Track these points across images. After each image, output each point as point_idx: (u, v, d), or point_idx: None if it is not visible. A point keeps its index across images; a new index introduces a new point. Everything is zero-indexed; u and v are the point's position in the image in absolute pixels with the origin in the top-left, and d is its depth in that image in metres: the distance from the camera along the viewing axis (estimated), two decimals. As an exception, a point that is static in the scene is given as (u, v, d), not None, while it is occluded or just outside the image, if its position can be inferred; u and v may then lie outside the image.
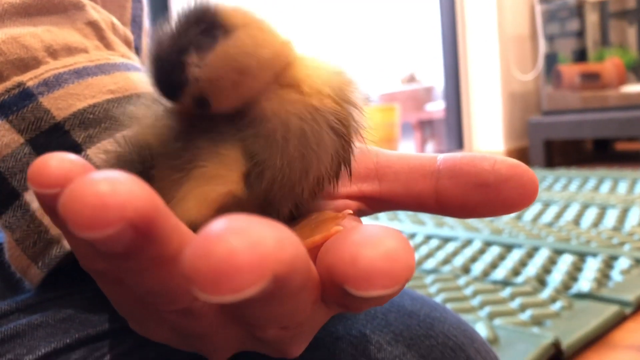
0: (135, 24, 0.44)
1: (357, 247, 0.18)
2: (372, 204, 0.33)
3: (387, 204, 0.33)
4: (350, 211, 0.28)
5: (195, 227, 0.24)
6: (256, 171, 0.25)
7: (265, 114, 0.25)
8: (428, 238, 1.56)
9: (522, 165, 0.29)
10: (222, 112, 0.25)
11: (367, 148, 0.32)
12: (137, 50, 0.44)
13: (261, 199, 0.26)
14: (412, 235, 1.60)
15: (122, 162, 0.27)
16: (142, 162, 0.26)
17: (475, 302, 1.07)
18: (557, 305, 1.02)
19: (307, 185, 0.27)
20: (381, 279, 0.18)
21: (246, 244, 0.16)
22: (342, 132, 0.27)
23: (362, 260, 0.18)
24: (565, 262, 1.25)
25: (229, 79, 0.24)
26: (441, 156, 0.31)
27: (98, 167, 0.28)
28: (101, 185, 0.16)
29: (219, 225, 0.16)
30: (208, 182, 0.24)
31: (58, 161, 0.20)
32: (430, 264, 1.32)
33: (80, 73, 0.35)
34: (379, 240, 0.18)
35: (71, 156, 0.20)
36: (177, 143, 0.25)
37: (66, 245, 0.33)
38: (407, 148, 3.92)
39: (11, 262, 0.34)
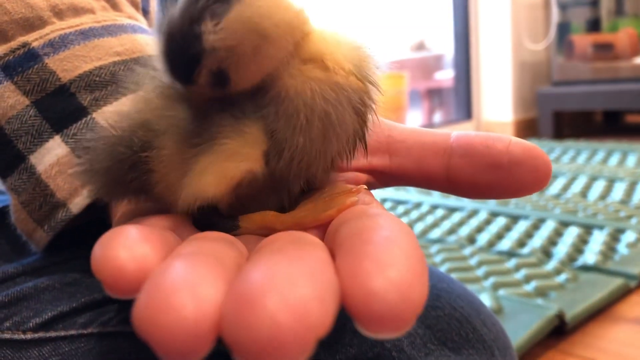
0: None
1: (370, 278, 0.17)
2: (381, 178, 0.32)
3: (396, 179, 0.32)
4: (365, 187, 0.28)
5: (211, 202, 0.23)
6: (275, 150, 0.25)
7: (288, 92, 0.24)
8: (434, 207, 1.56)
9: (536, 149, 0.28)
10: (242, 91, 0.24)
11: (379, 121, 0.31)
12: (145, 13, 0.43)
13: (276, 176, 0.25)
14: (418, 205, 1.60)
15: (121, 144, 0.27)
16: (142, 143, 0.26)
17: (480, 272, 1.07)
18: (562, 277, 1.02)
19: (324, 164, 0.27)
20: (393, 323, 0.17)
21: (290, 314, 0.15)
22: (362, 110, 0.26)
23: (375, 303, 0.17)
24: (571, 234, 1.24)
25: (248, 43, 0.22)
26: (455, 134, 0.30)
27: (103, 133, 0.28)
28: (186, 310, 0.16)
29: (255, 279, 0.16)
30: (229, 159, 0.24)
31: (132, 262, 0.19)
32: (435, 233, 1.32)
33: (86, 34, 0.35)
34: (393, 266, 0.17)
35: (139, 247, 0.19)
36: (191, 122, 0.25)
37: (72, 208, 0.33)
38: (415, 117, 3.89)
39: (17, 225, 0.34)
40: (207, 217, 0.26)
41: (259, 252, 0.20)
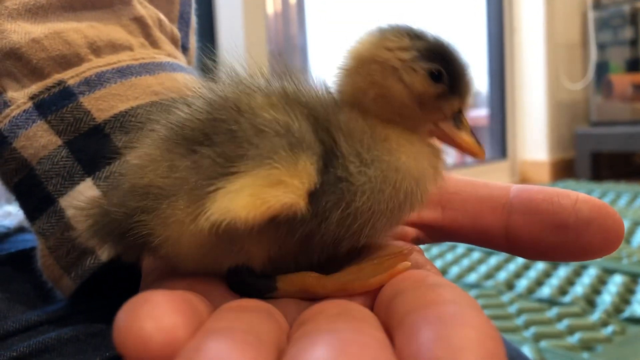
0: (183, 21, 0.41)
1: None
2: (432, 233, 0.30)
3: (449, 234, 0.29)
4: (419, 248, 0.25)
5: (240, 223, 0.20)
6: (331, 200, 0.23)
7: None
8: (470, 250, 1.51)
9: (606, 207, 0.25)
10: None
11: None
12: (184, 49, 0.41)
13: (321, 228, 0.23)
14: (453, 246, 1.55)
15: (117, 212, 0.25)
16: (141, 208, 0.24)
17: (519, 321, 1.03)
18: (609, 330, 0.97)
19: (390, 230, 0.25)
20: None
21: None
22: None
23: None
24: (616, 282, 1.19)
25: None
26: (515, 188, 0.28)
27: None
28: None
29: None
30: (272, 185, 0.21)
31: (159, 334, 0.17)
32: (472, 277, 1.27)
33: (124, 72, 0.33)
34: (467, 350, 0.15)
35: (168, 317, 0.17)
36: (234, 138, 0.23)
37: (101, 256, 0.31)
38: (448, 155, 3.84)
39: (43, 270, 0.32)
40: (242, 277, 0.24)
41: (305, 331, 0.18)
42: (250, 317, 0.19)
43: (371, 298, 0.23)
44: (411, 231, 0.30)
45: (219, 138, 0.23)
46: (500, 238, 0.28)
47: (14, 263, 0.37)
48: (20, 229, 0.42)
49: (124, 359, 0.17)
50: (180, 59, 0.38)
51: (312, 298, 0.24)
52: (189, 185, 0.22)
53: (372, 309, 0.23)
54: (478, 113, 3.97)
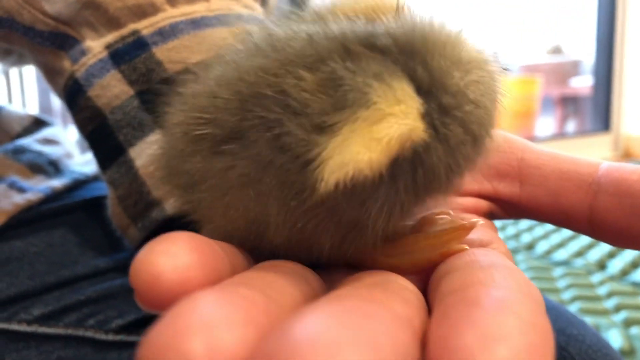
0: None
1: (472, 356, 0.12)
2: (507, 208, 0.27)
3: (526, 211, 0.27)
4: (482, 221, 0.23)
5: (366, 170, 0.17)
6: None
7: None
8: (560, 225, 1.44)
9: None
10: None
11: (512, 139, 0.26)
12: (263, 3, 0.40)
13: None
14: (543, 221, 1.49)
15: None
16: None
17: (609, 304, 0.97)
18: None
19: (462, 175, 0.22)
20: None
21: None
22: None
23: None
24: None
25: None
26: (605, 165, 0.25)
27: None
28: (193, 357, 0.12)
29: (292, 335, 0.12)
30: (380, 121, 0.18)
31: (171, 271, 0.16)
32: (561, 255, 1.21)
33: (198, 23, 0.33)
34: (503, 341, 0.13)
35: (184, 256, 0.16)
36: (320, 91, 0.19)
37: (167, 208, 0.31)
38: (546, 124, 3.67)
39: (112, 218, 0.33)
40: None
41: (323, 298, 0.16)
42: (277, 277, 0.18)
43: (427, 275, 0.21)
44: (484, 204, 0.27)
45: (258, 121, 0.20)
46: (583, 220, 0.25)
47: (88, 209, 0.38)
48: (97, 177, 0.43)
49: (134, 291, 0.16)
50: (257, 10, 0.37)
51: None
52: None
53: (424, 288, 0.21)
54: (581, 82, 3.75)
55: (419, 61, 0.20)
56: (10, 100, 2.26)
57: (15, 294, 0.32)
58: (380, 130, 0.17)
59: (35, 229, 0.35)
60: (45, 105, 2.26)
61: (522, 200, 0.27)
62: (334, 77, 0.19)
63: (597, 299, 1.00)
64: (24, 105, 2.31)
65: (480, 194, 0.27)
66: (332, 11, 0.25)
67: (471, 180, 0.27)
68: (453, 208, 0.26)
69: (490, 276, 0.16)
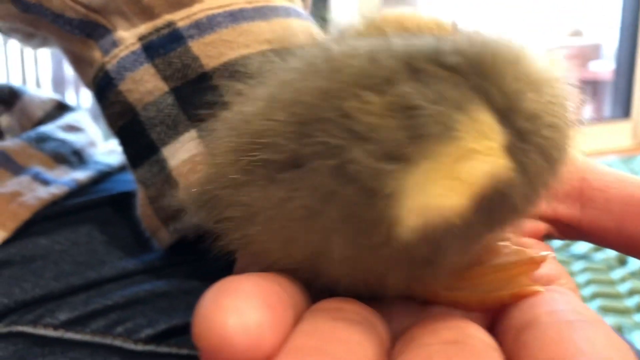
0: None
1: None
2: (565, 231, 0.26)
3: (586, 235, 0.25)
4: (552, 254, 0.21)
5: (449, 216, 0.16)
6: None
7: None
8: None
9: None
10: None
11: (574, 157, 0.25)
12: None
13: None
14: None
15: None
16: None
17: (631, 302, 0.95)
18: None
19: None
20: None
21: None
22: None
23: None
24: None
25: None
26: None
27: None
28: None
29: None
30: (465, 159, 0.16)
31: (242, 335, 0.14)
32: (580, 247, 1.19)
33: (236, 16, 0.31)
34: None
35: (254, 313, 0.15)
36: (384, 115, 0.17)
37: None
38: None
39: (142, 219, 0.31)
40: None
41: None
42: (347, 332, 0.16)
43: (493, 312, 0.20)
44: (542, 227, 0.26)
45: (320, 148, 0.18)
46: None
47: (115, 205, 0.36)
48: (123, 167, 0.42)
49: (200, 350, 0.15)
50: (296, 2, 0.35)
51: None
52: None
53: (489, 324, 0.20)
54: (601, 67, 3.69)
55: (493, 82, 0.18)
56: (24, 70, 2.25)
57: (40, 295, 0.30)
58: (465, 169, 0.16)
59: (60, 225, 0.34)
60: (58, 74, 2.26)
61: (582, 224, 0.25)
62: (405, 101, 0.17)
63: (617, 296, 0.98)
64: (37, 72, 2.30)
65: (538, 215, 0.26)
66: (376, 25, 0.23)
67: None
68: (509, 231, 0.24)
69: (588, 343, 0.15)
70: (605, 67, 3.47)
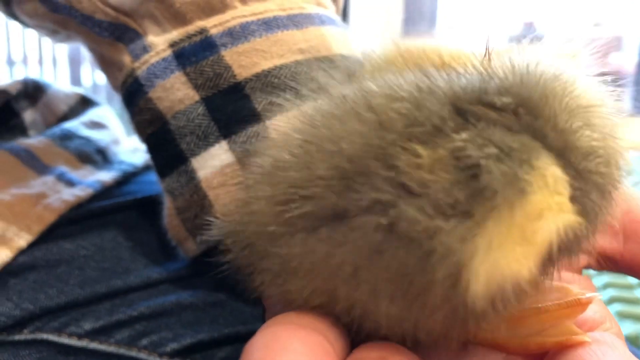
0: None
1: None
2: (605, 263, 0.25)
3: (627, 269, 0.24)
4: (599, 295, 0.21)
5: (521, 283, 0.15)
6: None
7: None
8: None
9: None
10: None
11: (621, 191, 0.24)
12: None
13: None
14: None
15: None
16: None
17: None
18: None
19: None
20: None
21: None
22: None
23: None
24: None
25: None
26: None
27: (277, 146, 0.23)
28: None
29: None
30: (536, 218, 0.15)
31: None
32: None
33: (270, 24, 0.30)
34: None
35: None
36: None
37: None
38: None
39: (168, 229, 0.31)
40: None
41: None
42: None
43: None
44: (583, 259, 0.25)
45: (367, 203, 0.17)
46: None
47: (140, 208, 0.36)
48: (147, 167, 0.41)
49: None
50: (329, 8, 0.34)
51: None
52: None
53: None
54: (622, 59, 3.63)
55: (546, 121, 0.17)
56: (40, 47, 2.26)
57: (65, 302, 0.30)
58: (537, 230, 0.15)
59: (85, 229, 0.34)
60: (74, 51, 2.25)
61: (624, 257, 0.24)
62: (461, 155, 0.16)
63: (636, 302, 0.97)
64: (53, 49, 2.30)
65: None
66: (403, 56, 0.22)
67: None
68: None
69: None
70: (625, 59, 3.41)
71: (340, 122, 0.18)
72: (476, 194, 0.15)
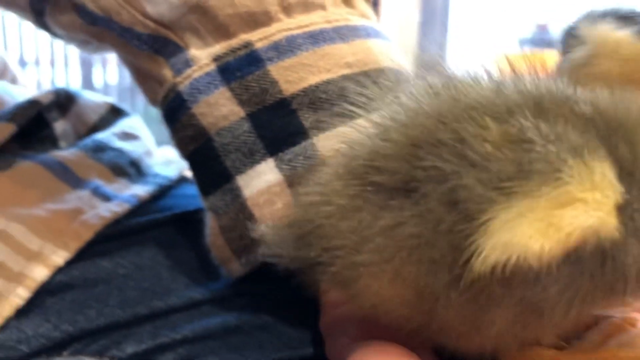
0: None
1: None
2: None
3: None
4: None
5: (532, 258, 0.15)
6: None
7: None
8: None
9: None
10: None
11: None
12: (374, 5, 0.36)
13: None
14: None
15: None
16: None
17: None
18: None
19: None
20: None
21: None
22: None
23: None
24: None
25: None
26: None
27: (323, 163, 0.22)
28: None
29: None
30: (566, 205, 0.15)
31: None
32: None
33: (316, 38, 0.29)
34: None
35: None
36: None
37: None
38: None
39: (212, 248, 0.30)
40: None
41: None
42: None
43: None
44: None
45: (434, 172, 0.17)
46: None
47: (177, 225, 0.35)
48: (182, 179, 0.41)
49: None
50: (373, 19, 0.33)
51: None
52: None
53: None
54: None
55: (623, 137, 0.17)
56: (52, 47, 2.26)
57: (105, 324, 0.29)
58: (563, 216, 0.15)
59: (123, 247, 0.33)
60: (86, 54, 2.25)
61: None
62: (522, 135, 0.16)
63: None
64: (65, 49, 2.31)
65: None
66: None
67: None
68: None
69: None
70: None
71: (418, 100, 0.19)
72: (522, 171, 0.16)
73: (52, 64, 2.37)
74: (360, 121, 0.21)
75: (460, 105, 0.18)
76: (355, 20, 0.31)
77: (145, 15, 0.30)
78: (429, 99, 0.19)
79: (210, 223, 0.30)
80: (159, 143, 0.45)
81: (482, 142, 0.17)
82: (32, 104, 0.38)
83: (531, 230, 0.15)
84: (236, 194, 0.28)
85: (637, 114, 0.18)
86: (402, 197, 0.18)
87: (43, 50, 2.32)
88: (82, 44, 0.38)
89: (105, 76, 2.38)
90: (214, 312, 0.30)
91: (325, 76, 0.28)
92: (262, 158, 0.28)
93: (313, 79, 0.28)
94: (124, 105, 0.45)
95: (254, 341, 0.29)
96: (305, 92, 0.28)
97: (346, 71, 0.29)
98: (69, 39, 0.38)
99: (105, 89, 2.32)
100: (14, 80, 0.47)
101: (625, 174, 0.17)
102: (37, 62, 2.33)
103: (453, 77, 0.20)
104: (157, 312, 0.30)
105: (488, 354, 0.20)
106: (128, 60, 0.34)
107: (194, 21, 0.29)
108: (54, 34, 0.38)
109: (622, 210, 0.16)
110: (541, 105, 0.17)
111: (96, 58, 2.22)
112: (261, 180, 0.28)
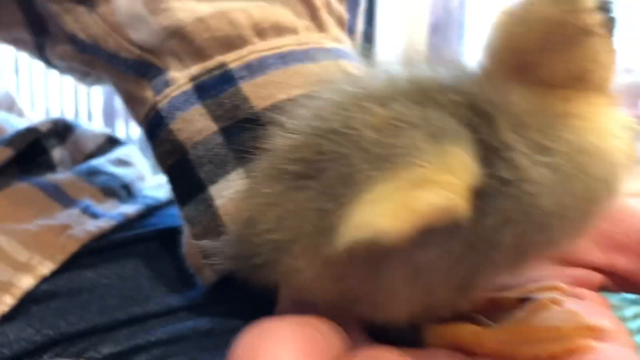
0: (353, 2, 0.38)
1: None
2: (623, 284, 0.25)
3: None
4: (612, 325, 0.21)
5: (382, 235, 0.16)
6: (496, 207, 0.18)
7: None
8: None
9: None
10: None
11: (633, 209, 0.24)
12: (351, 32, 0.38)
13: (484, 247, 0.19)
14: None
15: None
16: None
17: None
18: None
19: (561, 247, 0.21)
20: None
21: None
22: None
23: None
24: None
25: None
26: None
27: None
28: None
29: None
30: (418, 187, 0.17)
31: None
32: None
33: (286, 58, 0.31)
34: None
35: None
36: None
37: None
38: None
39: (187, 257, 0.32)
40: (382, 326, 0.21)
41: None
42: None
43: None
44: (597, 278, 0.25)
45: (332, 156, 0.20)
46: None
47: (161, 239, 0.37)
48: (170, 202, 0.42)
49: None
50: (346, 43, 0.35)
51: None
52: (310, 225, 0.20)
53: None
54: (653, 106, 3.58)
55: (487, 121, 0.19)
56: (76, 102, 2.33)
57: (85, 328, 0.31)
58: (415, 197, 0.17)
59: (107, 259, 0.35)
60: (109, 106, 2.32)
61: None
62: (396, 121, 0.19)
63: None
64: (89, 104, 2.37)
65: (593, 265, 0.25)
66: None
67: (583, 251, 0.25)
68: (563, 280, 0.24)
69: None
70: (657, 106, 3.37)
71: (327, 96, 0.22)
72: (390, 155, 0.18)
73: (76, 116, 2.44)
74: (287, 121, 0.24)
75: (357, 96, 0.20)
76: (326, 44, 0.33)
77: (130, 41, 0.33)
78: (335, 95, 0.22)
79: (186, 232, 0.31)
80: (157, 171, 0.47)
81: (367, 127, 0.19)
82: (30, 130, 0.40)
83: (384, 210, 0.17)
84: (209, 203, 0.30)
85: (500, 99, 0.19)
86: (310, 179, 0.20)
87: (68, 105, 2.37)
88: (82, 76, 0.41)
89: (129, 130, 2.44)
90: (188, 318, 0.31)
91: (294, 92, 0.30)
92: (233, 168, 0.30)
93: (282, 95, 0.30)
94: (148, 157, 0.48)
95: (224, 343, 0.30)
96: (274, 106, 0.30)
97: (316, 87, 0.31)
98: (69, 69, 0.40)
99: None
100: (20, 115, 0.50)
101: (490, 153, 0.18)
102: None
103: (358, 76, 0.23)
104: (134, 317, 0.31)
105: (413, 328, 0.20)
106: (118, 85, 0.36)
107: (174, 46, 0.32)
108: (55, 67, 0.41)
109: (479, 190, 0.18)
110: (425, 93, 0.20)
111: (119, 110, 2.28)
112: (231, 189, 0.30)
